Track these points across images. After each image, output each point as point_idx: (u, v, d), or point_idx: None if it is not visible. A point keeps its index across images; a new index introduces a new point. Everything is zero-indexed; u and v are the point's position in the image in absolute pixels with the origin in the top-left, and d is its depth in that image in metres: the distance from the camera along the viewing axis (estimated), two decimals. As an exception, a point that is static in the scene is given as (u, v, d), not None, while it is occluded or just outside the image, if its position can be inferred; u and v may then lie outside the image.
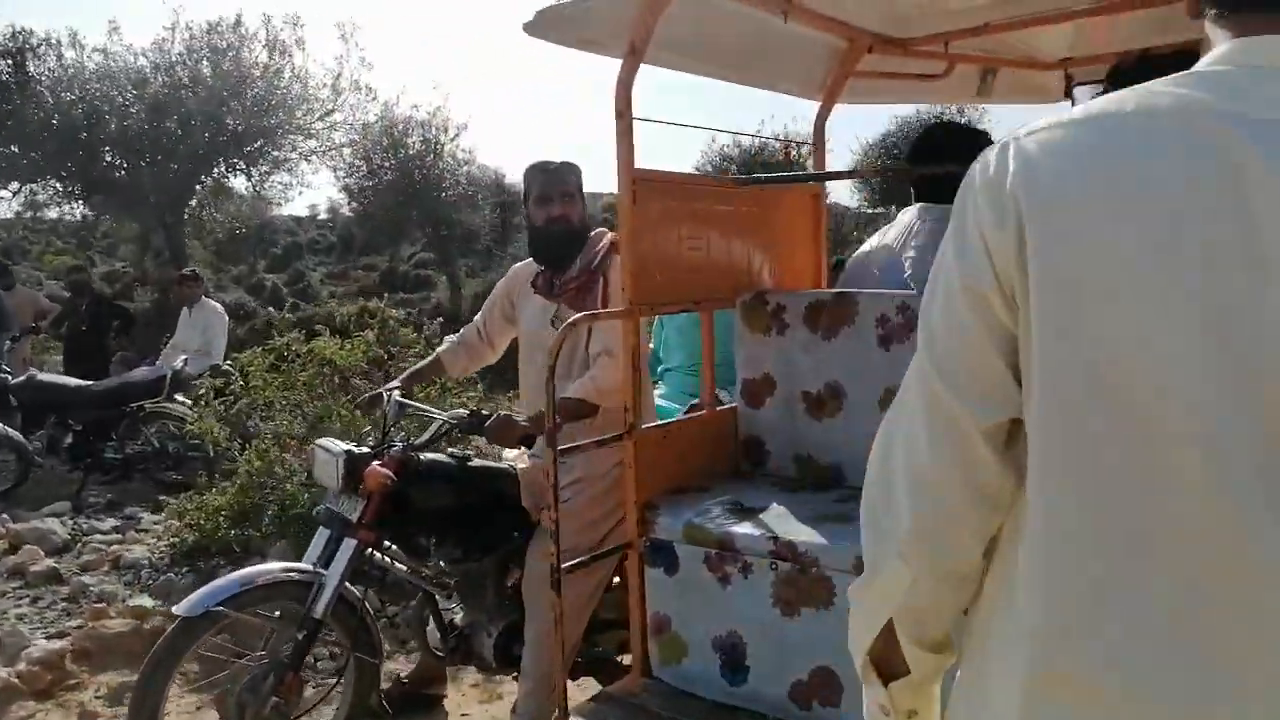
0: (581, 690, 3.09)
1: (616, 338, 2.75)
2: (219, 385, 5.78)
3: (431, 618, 3.17)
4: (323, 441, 2.99)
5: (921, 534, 0.99)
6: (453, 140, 18.12)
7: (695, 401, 3.33)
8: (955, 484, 0.96)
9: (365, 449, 2.94)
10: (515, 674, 3.10)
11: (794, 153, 22.83)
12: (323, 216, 37.01)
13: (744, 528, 2.38)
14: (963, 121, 23.80)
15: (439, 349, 3.45)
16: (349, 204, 19.07)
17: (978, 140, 2.83)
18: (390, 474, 2.80)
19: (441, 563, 3.07)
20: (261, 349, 5.56)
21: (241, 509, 5.14)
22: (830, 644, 2.23)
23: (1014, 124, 0.98)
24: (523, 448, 2.86)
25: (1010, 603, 0.95)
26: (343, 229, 33.85)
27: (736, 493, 2.64)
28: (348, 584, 2.83)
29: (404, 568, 3.07)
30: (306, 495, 5.06)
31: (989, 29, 3.06)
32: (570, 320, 2.42)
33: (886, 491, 1.03)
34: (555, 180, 2.96)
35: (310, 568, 2.80)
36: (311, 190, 57.63)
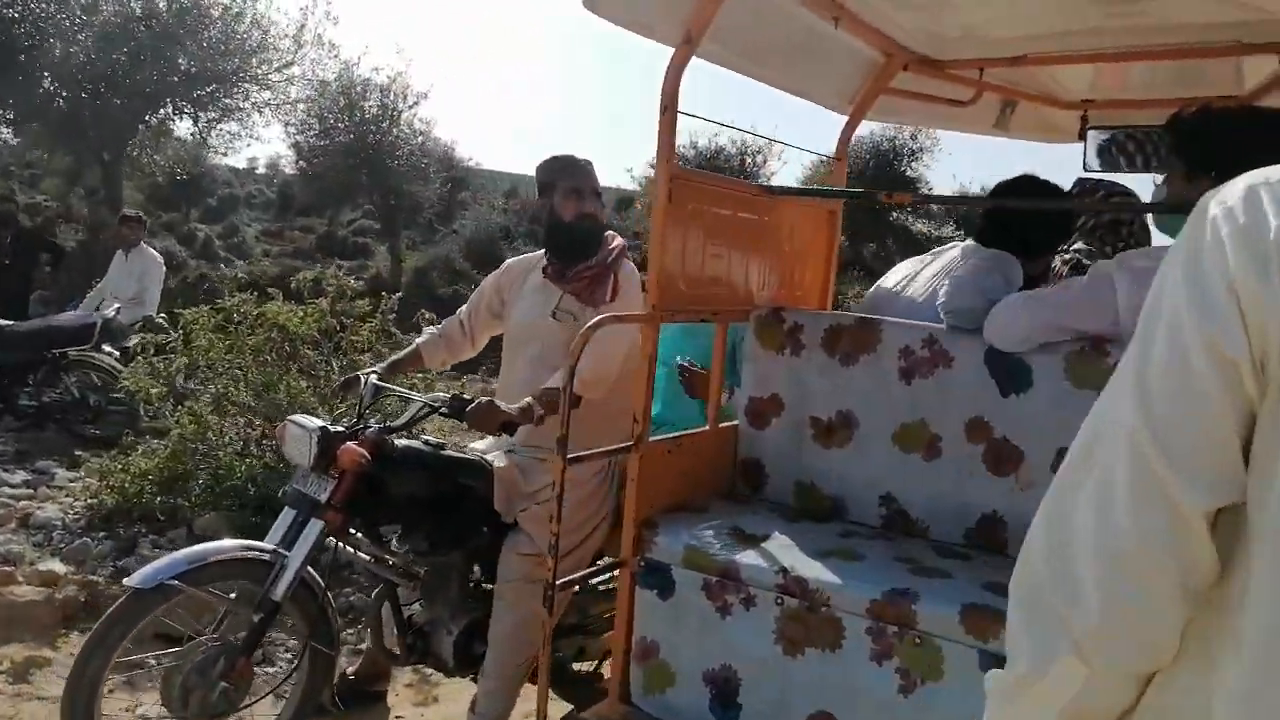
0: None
1: (607, 332, 2.65)
2: (160, 341, 5.43)
3: (391, 611, 2.98)
4: (296, 417, 2.82)
5: (1115, 629, 0.84)
6: (411, 109, 17.66)
7: (682, 362, 3.19)
8: (1166, 573, 0.82)
9: (340, 428, 2.77)
10: (473, 675, 2.97)
11: (749, 161, 22.66)
12: (261, 171, 35.91)
13: (749, 557, 2.25)
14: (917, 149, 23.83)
15: (418, 340, 3.31)
16: (296, 162, 18.36)
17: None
18: (365, 454, 2.65)
19: (407, 553, 2.92)
20: (209, 307, 5.23)
21: (171, 474, 4.83)
22: (834, 688, 2.12)
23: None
24: (503, 434, 2.70)
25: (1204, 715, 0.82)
26: (283, 186, 32.90)
27: (734, 517, 2.50)
28: (310, 569, 2.68)
29: (367, 556, 2.90)
30: (243, 466, 4.79)
31: (1026, 60, 3.00)
32: (594, 320, 2.26)
33: (1063, 575, 0.87)
34: (586, 177, 2.94)
35: (272, 547, 2.64)
36: (260, 144, 55.24)
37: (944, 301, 2.43)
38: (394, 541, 2.98)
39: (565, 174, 2.93)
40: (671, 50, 2.27)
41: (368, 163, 17.26)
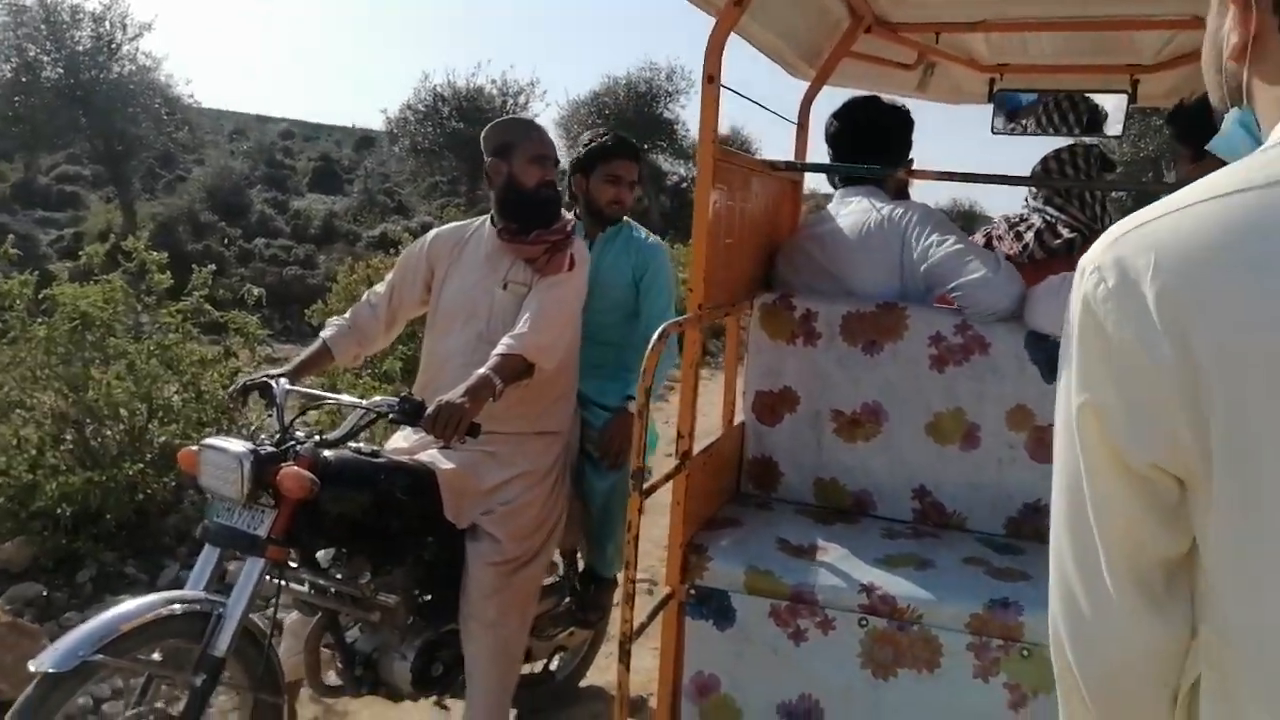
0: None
1: (561, 298, 2.55)
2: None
3: (334, 642, 2.59)
4: (213, 440, 2.33)
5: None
6: (132, 41, 15.54)
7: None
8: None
9: (269, 447, 2.32)
10: (436, 700, 2.77)
11: (509, 102, 22.14)
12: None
13: (820, 576, 2.06)
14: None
15: (323, 334, 2.83)
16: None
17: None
18: (314, 478, 2.26)
19: (351, 578, 2.54)
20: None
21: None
22: (934, 710, 2.00)
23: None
24: (467, 439, 2.36)
25: None
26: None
27: (766, 526, 2.31)
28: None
29: (306, 587, 2.49)
30: (53, 484, 3.98)
31: (984, 26, 2.94)
32: (664, 326, 1.93)
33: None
34: (548, 144, 2.68)
35: (203, 595, 2.24)
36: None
37: (982, 305, 2.32)
38: (329, 565, 2.59)
39: (527, 138, 2.65)
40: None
41: (82, 102, 15.06)
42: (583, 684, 3.41)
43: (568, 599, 3.10)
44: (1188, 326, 0.72)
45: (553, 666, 3.28)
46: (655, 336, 1.89)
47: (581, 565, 3.14)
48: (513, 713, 3.03)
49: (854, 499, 2.47)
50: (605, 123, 24.41)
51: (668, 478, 2.03)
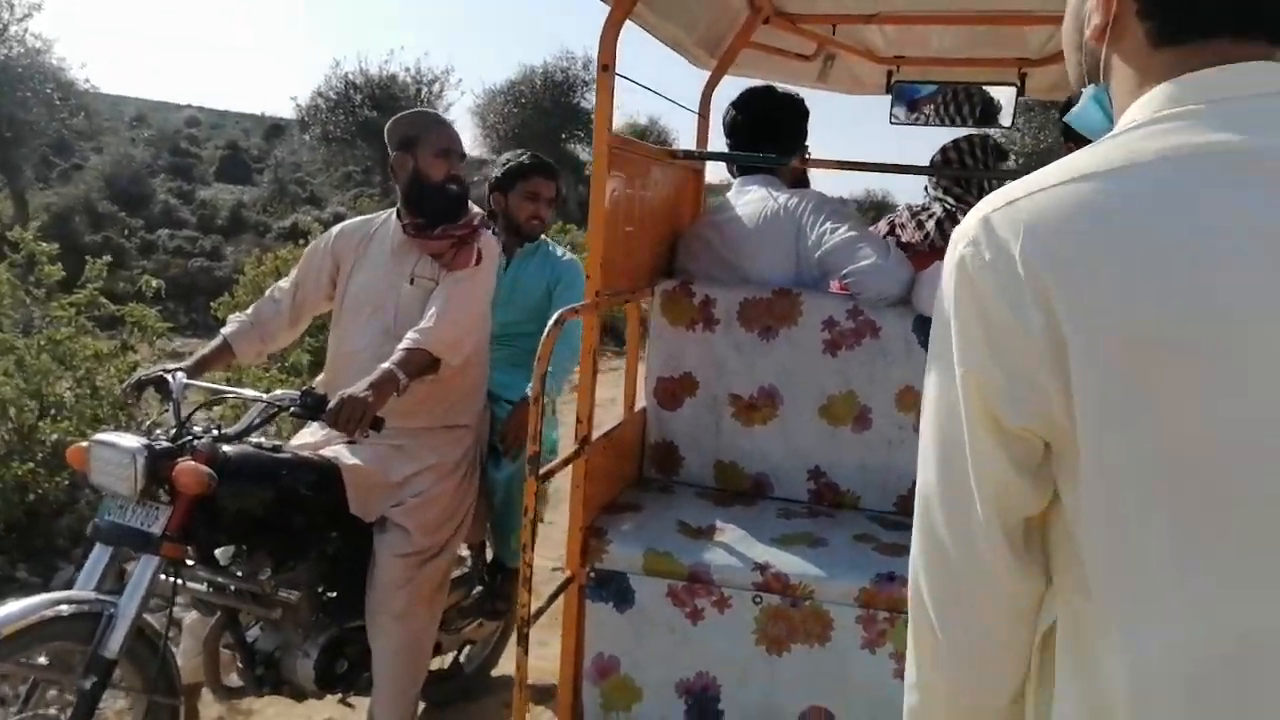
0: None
1: (467, 293, 2.54)
2: None
3: (234, 641, 2.54)
4: (104, 436, 2.28)
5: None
6: (20, 21, 14.86)
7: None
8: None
9: (165, 442, 2.27)
10: (340, 697, 2.70)
11: (423, 90, 21.81)
12: None
13: (716, 556, 2.11)
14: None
15: (224, 330, 2.77)
16: None
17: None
18: (212, 473, 2.22)
19: (250, 575, 2.50)
20: None
21: None
22: (825, 682, 2.07)
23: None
24: (371, 433, 2.34)
25: None
26: None
27: (667, 509, 2.35)
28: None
29: (204, 585, 2.44)
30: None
31: (878, 19, 3.01)
32: (558, 315, 1.95)
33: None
34: (454, 137, 2.66)
35: (92, 595, 2.17)
36: None
37: (873, 290, 2.38)
38: (229, 563, 2.55)
39: (432, 131, 2.63)
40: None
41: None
42: (495, 673, 3.41)
43: (476, 590, 3.11)
44: (1053, 302, 0.76)
45: (462, 659, 3.27)
46: (551, 322, 1.91)
47: (490, 557, 3.14)
48: (421, 706, 3.03)
49: (752, 481, 2.52)
50: (522, 111, 24.27)
51: (566, 462, 2.05)
